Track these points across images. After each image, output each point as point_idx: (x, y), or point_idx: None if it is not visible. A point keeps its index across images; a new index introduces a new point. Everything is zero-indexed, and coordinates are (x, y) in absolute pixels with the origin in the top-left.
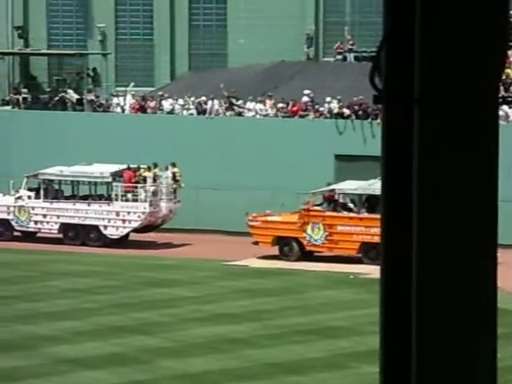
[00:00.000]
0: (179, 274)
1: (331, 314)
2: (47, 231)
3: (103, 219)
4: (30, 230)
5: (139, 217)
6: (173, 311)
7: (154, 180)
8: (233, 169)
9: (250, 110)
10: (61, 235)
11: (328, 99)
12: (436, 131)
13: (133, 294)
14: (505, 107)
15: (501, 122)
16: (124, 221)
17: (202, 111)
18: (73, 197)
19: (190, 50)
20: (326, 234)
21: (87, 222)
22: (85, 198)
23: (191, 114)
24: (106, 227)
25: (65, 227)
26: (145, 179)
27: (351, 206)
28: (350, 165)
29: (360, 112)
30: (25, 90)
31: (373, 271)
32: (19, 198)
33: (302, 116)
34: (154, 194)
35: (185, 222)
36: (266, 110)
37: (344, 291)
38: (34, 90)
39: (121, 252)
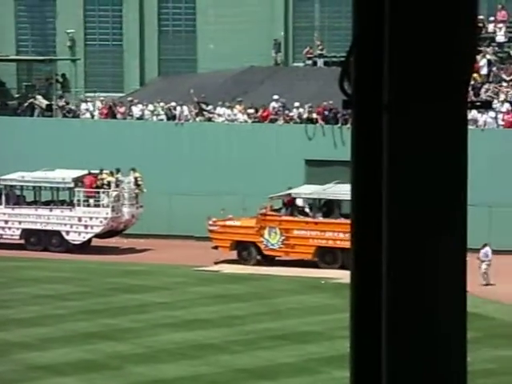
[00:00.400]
0: (150, 279)
1: (302, 319)
2: (9, 237)
3: (65, 225)
4: None
5: (101, 222)
6: (144, 317)
7: (117, 185)
8: (203, 174)
9: (220, 115)
10: (23, 241)
11: (297, 104)
12: (405, 136)
13: (103, 300)
14: (474, 112)
15: (470, 127)
16: (86, 226)
17: (171, 117)
18: (34, 202)
19: (159, 56)
20: (283, 238)
21: (49, 227)
22: (47, 203)
23: (161, 120)
24: (68, 233)
25: (27, 233)
26: (108, 184)
27: (307, 210)
28: (320, 170)
29: (330, 117)
30: None
31: (344, 276)
32: None
33: (271, 121)
34: (116, 199)
35: (155, 228)
36: (235, 115)
37: (315, 296)
38: (2, 96)
39: (91, 258)
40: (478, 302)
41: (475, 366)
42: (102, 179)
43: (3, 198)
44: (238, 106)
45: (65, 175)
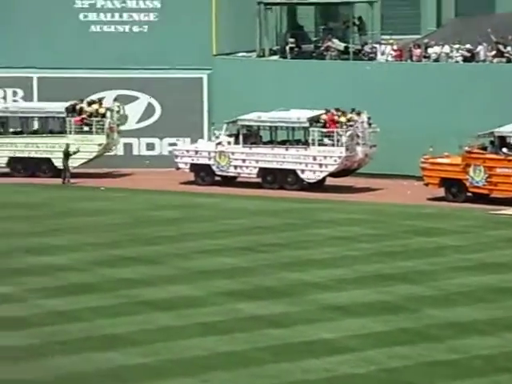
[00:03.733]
0: (442, 222)
1: None
2: (246, 176)
3: (300, 163)
4: (229, 174)
5: (335, 161)
6: (438, 260)
7: (350, 125)
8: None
9: None
10: (259, 179)
11: None
12: None
13: (397, 243)
14: None
15: None
16: (321, 165)
17: (467, 58)
18: (271, 142)
19: None
20: (486, 175)
21: (285, 166)
22: (283, 143)
23: (456, 62)
24: (303, 171)
25: (263, 172)
26: (348, 123)
27: None
28: None
29: None
30: (291, 40)
31: None
32: (219, 143)
33: None
34: (351, 138)
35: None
36: None
37: None
38: (300, 40)
39: (382, 200)
40: None
41: None
42: (339, 119)
43: (241, 137)
44: None
45: (300, 115)
